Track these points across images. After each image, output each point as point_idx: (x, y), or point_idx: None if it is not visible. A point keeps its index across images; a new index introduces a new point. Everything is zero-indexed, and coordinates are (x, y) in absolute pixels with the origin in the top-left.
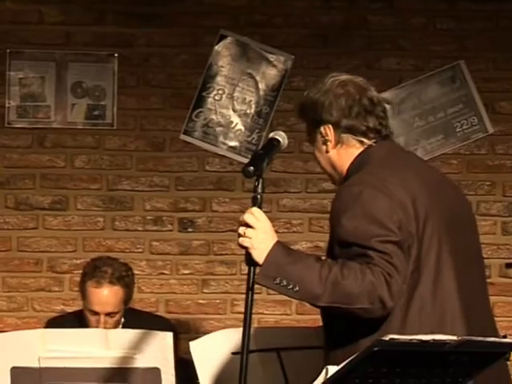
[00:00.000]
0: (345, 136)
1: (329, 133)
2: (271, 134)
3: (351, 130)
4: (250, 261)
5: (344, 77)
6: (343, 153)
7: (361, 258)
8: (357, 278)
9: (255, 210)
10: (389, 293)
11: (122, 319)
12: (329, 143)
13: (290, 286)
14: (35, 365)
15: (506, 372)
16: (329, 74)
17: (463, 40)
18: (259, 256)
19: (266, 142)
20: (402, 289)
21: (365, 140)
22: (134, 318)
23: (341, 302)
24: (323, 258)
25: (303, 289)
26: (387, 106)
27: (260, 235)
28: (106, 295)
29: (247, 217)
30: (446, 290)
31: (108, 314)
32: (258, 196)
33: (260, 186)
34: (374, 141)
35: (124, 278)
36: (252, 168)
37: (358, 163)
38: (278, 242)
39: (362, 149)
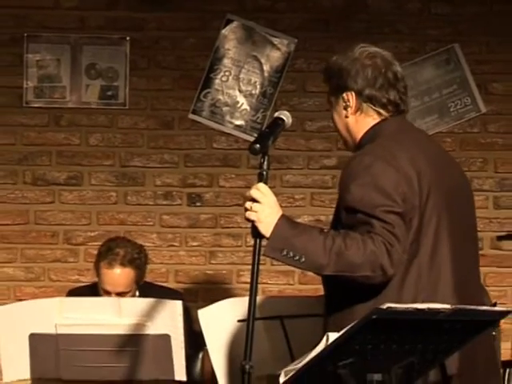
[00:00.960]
0: (365, 105)
1: (351, 99)
2: (276, 114)
3: (372, 101)
4: (256, 233)
5: (373, 49)
6: (361, 120)
7: (364, 226)
8: (359, 248)
9: (261, 185)
10: (389, 261)
11: (137, 293)
12: (349, 109)
13: (297, 258)
14: (52, 331)
15: (492, 345)
16: (358, 44)
17: (457, 24)
18: (266, 229)
19: (271, 121)
20: (402, 257)
21: (383, 112)
22: (149, 291)
23: (345, 271)
24: (326, 229)
25: (309, 260)
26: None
27: (266, 209)
28: (117, 276)
29: (254, 192)
30: (441, 262)
31: (119, 294)
32: (264, 172)
33: (266, 162)
34: (390, 114)
35: (135, 260)
36: (258, 146)
37: (371, 135)
38: (283, 216)
39: (378, 120)
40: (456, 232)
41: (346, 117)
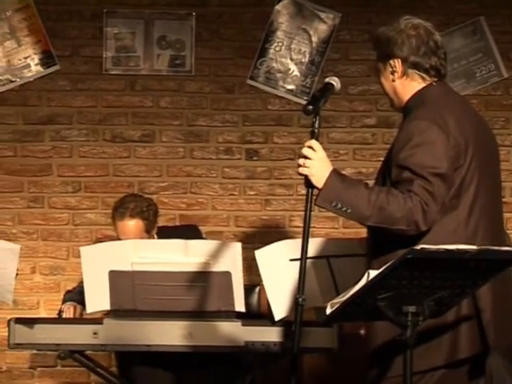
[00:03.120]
0: (410, 71)
1: (397, 65)
2: (327, 79)
3: (416, 66)
4: (308, 184)
5: (416, 21)
6: (406, 84)
7: (407, 184)
8: (399, 204)
9: (313, 142)
10: (424, 219)
11: (156, 237)
12: (396, 74)
13: (344, 209)
14: (129, 269)
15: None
16: (403, 16)
17: None
18: (318, 181)
19: (322, 85)
20: (436, 216)
21: (426, 76)
22: (167, 233)
23: (384, 223)
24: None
25: (354, 211)
26: None
27: (317, 164)
28: (127, 227)
29: (305, 150)
30: (478, 216)
31: None
32: (316, 130)
33: (317, 121)
34: (434, 79)
35: (144, 212)
36: (311, 107)
37: (418, 98)
38: (333, 170)
39: (423, 84)
40: (490, 187)
41: (393, 81)
